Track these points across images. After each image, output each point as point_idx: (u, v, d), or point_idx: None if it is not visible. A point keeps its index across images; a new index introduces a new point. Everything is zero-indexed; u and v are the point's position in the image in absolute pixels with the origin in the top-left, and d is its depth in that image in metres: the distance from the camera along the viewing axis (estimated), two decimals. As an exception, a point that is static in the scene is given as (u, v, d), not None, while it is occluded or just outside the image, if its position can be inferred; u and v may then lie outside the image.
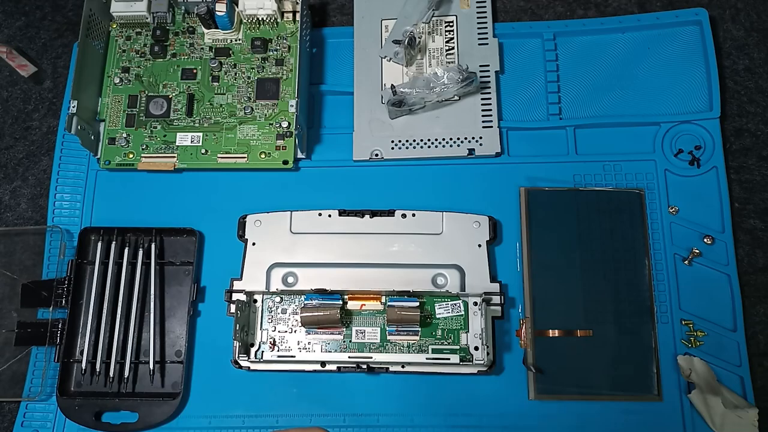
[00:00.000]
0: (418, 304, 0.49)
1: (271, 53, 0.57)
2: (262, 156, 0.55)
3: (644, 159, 0.55)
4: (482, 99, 0.57)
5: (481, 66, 0.57)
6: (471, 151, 0.55)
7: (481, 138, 0.56)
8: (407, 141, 0.56)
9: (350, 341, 0.51)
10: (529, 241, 0.53)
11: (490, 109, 0.56)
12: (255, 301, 0.52)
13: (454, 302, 0.51)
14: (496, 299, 0.51)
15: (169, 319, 0.53)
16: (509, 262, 0.54)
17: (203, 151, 0.55)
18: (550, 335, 0.51)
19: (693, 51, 0.58)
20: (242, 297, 0.51)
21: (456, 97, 0.55)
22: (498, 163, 0.56)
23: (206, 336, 0.53)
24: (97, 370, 0.52)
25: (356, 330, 0.52)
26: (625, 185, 0.55)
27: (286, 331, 0.52)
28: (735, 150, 0.57)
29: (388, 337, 0.51)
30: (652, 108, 0.57)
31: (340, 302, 0.50)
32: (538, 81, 0.59)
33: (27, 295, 0.54)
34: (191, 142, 0.56)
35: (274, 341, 0.52)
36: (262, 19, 0.57)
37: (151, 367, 0.51)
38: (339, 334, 0.51)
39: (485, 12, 0.59)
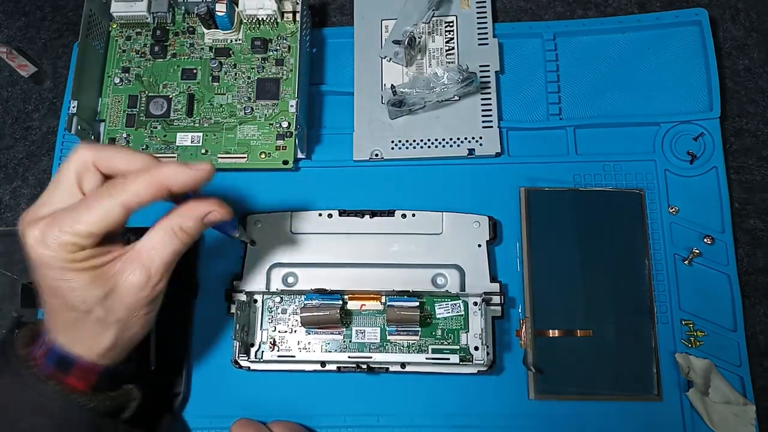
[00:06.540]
0: (418, 304, 0.49)
1: (271, 53, 0.57)
2: (262, 156, 0.55)
3: (644, 159, 0.55)
4: (482, 99, 0.57)
5: (481, 66, 0.57)
6: (471, 151, 0.55)
7: (481, 138, 0.56)
8: (407, 141, 0.56)
9: (350, 341, 0.51)
10: (529, 241, 0.53)
11: (490, 109, 0.56)
12: (255, 301, 0.53)
13: (454, 302, 0.52)
14: (496, 299, 0.51)
15: (170, 319, 0.53)
16: (509, 262, 0.54)
17: (203, 151, 0.55)
18: (550, 335, 0.51)
19: (693, 51, 0.58)
20: (242, 297, 0.51)
21: (456, 97, 0.55)
22: (498, 163, 0.56)
23: (206, 336, 0.53)
24: (97, 370, 0.52)
25: (356, 330, 0.52)
26: (625, 185, 0.55)
27: (286, 331, 0.52)
28: (735, 150, 0.57)
29: (388, 337, 0.51)
30: (652, 108, 0.57)
31: (340, 302, 0.50)
32: (538, 81, 0.59)
33: (27, 295, 0.54)
34: (191, 142, 0.56)
35: (274, 341, 0.52)
36: (262, 19, 0.57)
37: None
38: (339, 334, 0.51)
39: (485, 12, 0.59)
